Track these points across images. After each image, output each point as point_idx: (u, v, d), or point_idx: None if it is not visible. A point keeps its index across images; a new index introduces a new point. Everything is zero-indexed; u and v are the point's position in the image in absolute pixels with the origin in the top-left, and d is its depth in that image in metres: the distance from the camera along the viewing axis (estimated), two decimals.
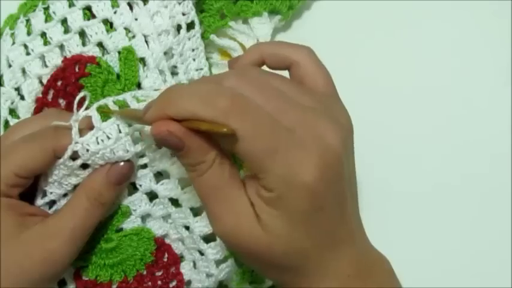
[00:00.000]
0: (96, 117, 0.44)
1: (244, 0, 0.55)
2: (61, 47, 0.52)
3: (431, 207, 0.54)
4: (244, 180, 0.41)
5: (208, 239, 0.48)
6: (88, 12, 0.52)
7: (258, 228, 0.39)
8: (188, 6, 0.52)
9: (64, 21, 0.52)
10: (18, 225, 0.44)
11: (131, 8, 0.52)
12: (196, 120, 0.38)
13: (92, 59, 0.51)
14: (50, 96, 0.52)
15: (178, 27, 0.52)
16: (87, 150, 0.44)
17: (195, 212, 0.48)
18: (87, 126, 0.44)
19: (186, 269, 0.49)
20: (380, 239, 0.43)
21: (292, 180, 0.38)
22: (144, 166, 0.47)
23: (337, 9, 0.57)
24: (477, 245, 0.51)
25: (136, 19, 0.51)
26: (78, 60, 0.51)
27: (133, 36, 0.51)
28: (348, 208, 0.41)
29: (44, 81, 0.52)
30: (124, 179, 0.46)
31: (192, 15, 0.52)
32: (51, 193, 0.46)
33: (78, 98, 0.44)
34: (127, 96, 0.45)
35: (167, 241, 0.49)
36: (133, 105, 0.45)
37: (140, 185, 0.48)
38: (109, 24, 0.52)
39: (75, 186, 0.46)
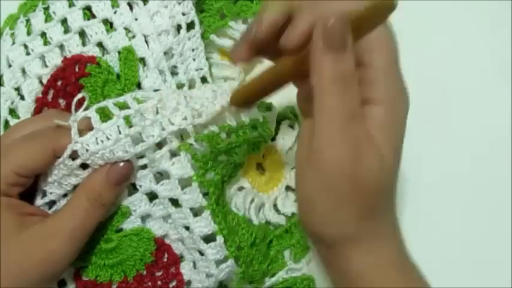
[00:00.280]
0: (95, 118, 0.44)
1: (244, 0, 0.55)
2: (61, 47, 0.52)
3: (430, 208, 0.54)
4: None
5: (208, 239, 0.48)
6: (88, 12, 0.52)
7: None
8: (188, 6, 0.52)
9: (64, 21, 0.52)
10: (18, 225, 0.44)
11: (131, 8, 0.52)
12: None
13: (92, 59, 0.51)
14: (50, 96, 0.52)
15: (178, 27, 0.52)
16: (87, 150, 0.44)
17: (195, 212, 0.48)
18: (87, 127, 0.44)
19: (186, 269, 0.49)
20: None
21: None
22: (144, 167, 0.47)
23: None
24: (477, 246, 0.51)
25: (136, 19, 0.51)
26: (78, 60, 0.51)
27: (133, 36, 0.51)
28: None
29: (44, 81, 0.52)
30: (124, 179, 0.45)
31: (192, 15, 0.52)
32: (51, 193, 0.46)
33: (76, 98, 0.43)
34: (127, 98, 0.45)
35: (167, 241, 0.49)
36: (134, 106, 0.45)
37: (140, 186, 0.48)
38: (109, 24, 0.52)
39: (75, 187, 0.46)
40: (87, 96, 0.45)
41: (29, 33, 0.53)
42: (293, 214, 0.53)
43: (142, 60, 0.51)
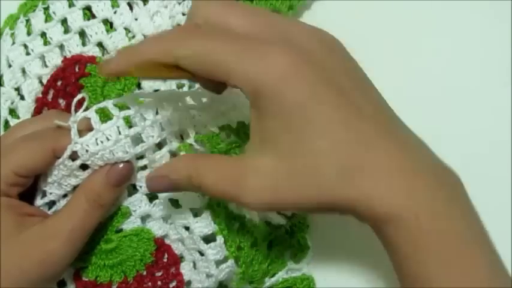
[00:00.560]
0: (95, 119, 0.44)
1: (244, 0, 0.55)
2: (61, 47, 0.52)
3: None
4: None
5: (208, 239, 0.48)
6: (88, 12, 0.52)
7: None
8: (188, 6, 0.52)
9: (64, 21, 0.52)
10: (17, 225, 0.44)
11: (131, 8, 0.52)
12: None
13: (92, 59, 0.51)
14: (50, 96, 0.52)
15: None
16: (87, 151, 0.44)
17: (195, 213, 0.48)
18: (86, 127, 0.44)
19: (186, 269, 0.49)
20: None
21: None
22: (144, 167, 0.47)
23: (337, 9, 0.57)
24: None
25: (136, 19, 0.51)
26: (78, 60, 0.51)
27: (133, 36, 0.51)
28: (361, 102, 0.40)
29: (44, 81, 0.52)
30: (124, 180, 0.45)
31: None
32: (50, 193, 0.46)
33: (76, 99, 0.43)
34: (127, 98, 0.45)
35: (167, 241, 0.49)
36: (134, 106, 0.45)
37: (140, 186, 0.48)
38: (109, 24, 0.52)
39: (75, 187, 0.46)
40: (87, 97, 0.45)
41: (29, 33, 0.53)
42: (293, 214, 0.53)
43: None
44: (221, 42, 0.39)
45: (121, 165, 0.45)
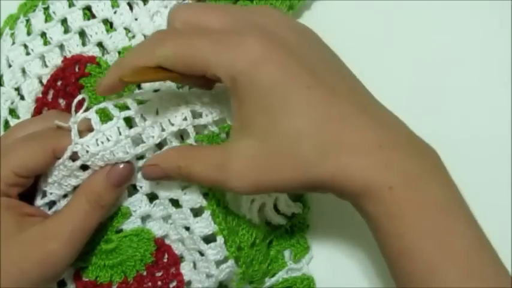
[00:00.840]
0: (95, 120, 0.44)
1: (244, 0, 0.55)
2: (61, 47, 0.52)
3: None
4: None
5: (208, 239, 0.48)
6: (88, 12, 0.52)
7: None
8: None
9: (64, 21, 0.52)
10: (17, 225, 0.44)
11: (131, 8, 0.52)
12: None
13: (92, 59, 0.51)
14: (50, 96, 0.52)
15: None
16: (87, 152, 0.44)
17: (195, 213, 0.48)
18: (87, 128, 0.44)
19: (186, 269, 0.49)
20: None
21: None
22: None
23: (337, 9, 0.57)
24: None
25: (136, 19, 0.51)
26: (78, 60, 0.51)
27: (133, 36, 0.51)
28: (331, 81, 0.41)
29: (44, 81, 0.52)
30: (124, 180, 0.45)
31: None
32: (51, 194, 0.46)
33: (76, 100, 0.43)
34: (127, 99, 0.45)
35: (167, 242, 0.49)
36: (134, 107, 0.45)
37: (140, 187, 0.48)
38: (109, 24, 0.52)
39: (75, 188, 0.46)
40: (87, 97, 0.45)
41: (29, 33, 0.53)
42: (293, 214, 0.53)
43: None
44: (197, 38, 0.41)
45: (121, 166, 0.45)
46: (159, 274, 0.49)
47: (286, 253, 0.54)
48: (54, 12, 0.52)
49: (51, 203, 0.47)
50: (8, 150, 0.45)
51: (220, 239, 0.48)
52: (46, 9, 0.53)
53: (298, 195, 0.54)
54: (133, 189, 0.48)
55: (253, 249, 0.50)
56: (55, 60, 0.52)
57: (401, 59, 0.56)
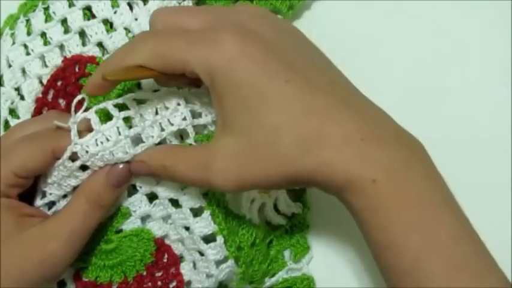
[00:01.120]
0: (94, 120, 0.44)
1: (244, 0, 0.55)
2: (61, 47, 0.52)
3: None
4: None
5: (208, 239, 0.48)
6: (88, 12, 0.52)
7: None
8: None
9: (64, 21, 0.52)
10: (17, 226, 0.44)
11: (131, 8, 0.52)
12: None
13: (92, 59, 0.51)
14: (50, 96, 0.52)
15: None
16: (86, 152, 0.44)
17: (195, 213, 0.48)
18: (86, 128, 0.44)
19: (186, 269, 0.49)
20: None
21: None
22: None
23: (337, 9, 0.57)
24: None
25: (136, 19, 0.51)
26: (78, 60, 0.51)
27: (133, 36, 0.51)
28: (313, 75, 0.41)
29: (44, 81, 0.52)
30: (124, 181, 0.45)
31: None
32: (50, 194, 0.46)
33: (75, 100, 0.43)
34: (127, 99, 0.45)
35: (167, 242, 0.49)
36: (134, 107, 0.45)
37: (140, 187, 0.48)
38: (109, 24, 0.52)
39: (75, 188, 0.46)
40: (87, 97, 0.45)
41: (29, 33, 0.53)
42: (293, 214, 0.53)
43: None
44: (175, 37, 0.42)
45: (121, 166, 0.45)
46: (159, 274, 0.49)
47: (286, 253, 0.54)
48: (54, 12, 0.52)
49: (51, 204, 0.47)
50: (8, 150, 0.45)
51: (220, 239, 0.48)
52: (46, 9, 0.53)
53: (298, 195, 0.54)
54: (133, 189, 0.48)
55: (253, 249, 0.50)
56: (55, 60, 0.52)
57: (401, 59, 0.56)
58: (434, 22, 0.57)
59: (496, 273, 0.39)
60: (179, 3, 0.52)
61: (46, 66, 0.52)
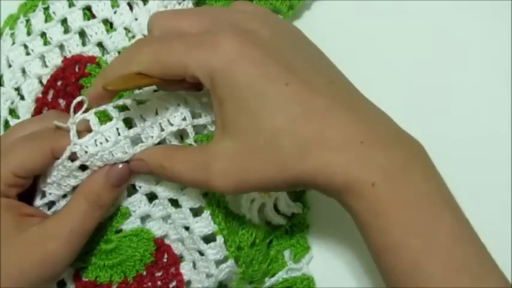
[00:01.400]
0: (94, 121, 0.44)
1: (244, 0, 0.54)
2: (61, 47, 0.52)
3: None
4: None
5: (208, 239, 0.48)
6: (88, 12, 0.52)
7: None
8: (188, 7, 0.52)
9: (64, 21, 0.52)
10: (17, 226, 0.44)
11: (131, 8, 0.52)
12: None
13: (92, 59, 0.51)
14: (49, 96, 0.52)
15: None
16: (86, 152, 0.44)
17: (195, 213, 0.48)
18: (86, 129, 0.44)
19: (185, 269, 0.49)
20: None
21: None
22: None
23: (337, 9, 0.57)
24: None
25: (136, 19, 0.51)
26: (78, 60, 0.51)
27: (133, 36, 0.51)
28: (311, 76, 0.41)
29: (44, 81, 0.52)
30: (123, 180, 0.45)
31: None
32: (50, 194, 0.46)
33: (75, 102, 0.43)
34: (127, 101, 0.45)
35: (167, 241, 0.49)
36: (133, 107, 0.45)
37: (140, 186, 0.48)
38: (109, 24, 0.52)
39: (74, 188, 0.46)
40: (86, 99, 0.44)
41: (29, 33, 0.53)
42: (293, 214, 0.53)
43: None
44: (173, 42, 0.42)
45: (120, 166, 0.45)
46: (158, 274, 0.49)
47: (286, 253, 0.54)
48: (54, 12, 0.52)
49: (51, 204, 0.47)
50: (7, 150, 0.45)
51: (220, 239, 0.48)
52: (46, 9, 0.53)
53: (298, 195, 0.54)
54: (132, 189, 0.48)
55: (253, 249, 0.50)
56: (55, 60, 0.52)
57: (401, 59, 0.56)
58: (434, 22, 0.57)
59: (496, 273, 0.39)
60: (179, 3, 0.52)
61: (46, 66, 0.52)
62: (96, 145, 0.44)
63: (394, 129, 0.42)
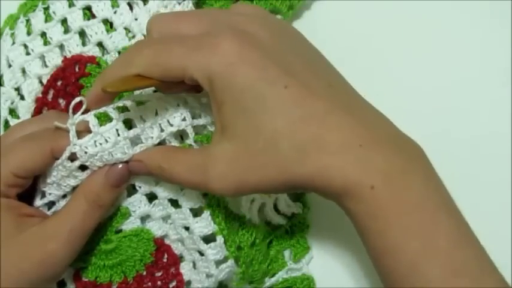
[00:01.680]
0: (93, 122, 0.44)
1: (244, 0, 0.55)
2: (61, 47, 0.52)
3: None
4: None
5: (208, 239, 0.48)
6: (88, 12, 0.52)
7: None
8: (188, 6, 0.52)
9: (64, 21, 0.52)
10: (16, 226, 0.44)
11: (131, 8, 0.52)
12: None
13: (91, 59, 0.51)
14: (50, 96, 0.52)
15: None
16: (85, 153, 0.44)
17: (195, 213, 0.48)
18: (86, 129, 0.44)
19: (185, 269, 0.49)
20: None
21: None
22: None
23: (337, 9, 0.57)
24: None
25: (136, 19, 0.51)
26: (78, 60, 0.51)
27: (133, 36, 0.51)
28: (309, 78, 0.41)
29: (44, 81, 0.52)
30: (123, 180, 0.45)
31: None
32: (50, 194, 0.46)
33: (73, 103, 0.43)
34: (127, 102, 0.45)
35: (167, 242, 0.49)
36: (133, 108, 0.45)
37: (139, 187, 0.48)
38: (109, 24, 0.52)
39: (74, 188, 0.46)
40: (85, 100, 0.44)
41: (29, 33, 0.53)
42: (293, 214, 0.53)
43: None
44: (172, 44, 0.42)
45: (120, 166, 0.45)
46: (158, 274, 0.49)
47: (286, 253, 0.54)
48: (54, 12, 0.52)
49: (51, 204, 0.47)
50: (7, 150, 0.45)
51: (220, 239, 0.48)
52: (46, 9, 0.53)
53: (298, 195, 0.54)
54: (132, 190, 0.48)
55: (253, 249, 0.50)
56: (55, 60, 0.52)
57: (401, 59, 0.56)
58: (434, 22, 0.57)
59: (495, 275, 0.39)
60: (179, 3, 0.52)
61: (46, 66, 0.52)
62: (96, 146, 0.44)
63: (394, 132, 0.42)
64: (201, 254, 0.48)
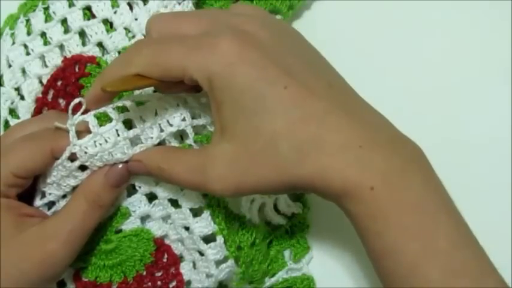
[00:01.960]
0: (93, 123, 0.44)
1: (244, 0, 0.55)
2: (61, 47, 0.52)
3: None
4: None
5: (208, 239, 0.48)
6: (88, 12, 0.52)
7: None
8: (188, 6, 0.52)
9: (64, 21, 0.52)
10: (16, 226, 0.44)
11: (131, 8, 0.52)
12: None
13: (92, 59, 0.51)
14: (50, 96, 0.52)
15: None
16: (85, 153, 0.44)
17: (195, 213, 0.48)
18: (86, 129, 0.44)
19: (185, 269, 0.49)
20: None
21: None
22: None
23: (337, 9, 0.57)
24: None
25: (136, 19, 0.51)
26: (78, 60, 0.51)
27: (133, 36, 0.51)
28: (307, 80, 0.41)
29: (44, 81, 0.52)
30: (123, 180, 0.46)
31: None
32: (49, 194, 0.46)
33: (72, 103, 0.43)
34: (126, 102, 0.45)
35: (167, 242, 0.49)
36: (133, 108, 0.45)
37: (139, 187, 0.48)
38: (109, 24, 0.52)
39: (74, 188, 0.46)
40: (84, 101, 0.44)
41: (29, 33, 0.53)
42: (293, 214, 0.53)
43: None
44: (172, 44, 0.42)
45: (120, 166, 0.45)
46: (158, 274, 0.49)
47: (286, 253, 0.54)
48: (54, 12, 0.52)
49: (51, 204, 0.47)
50: (7, 150, 0.45)
51: (220, 239, 0.48)
52: (46, 9, 0.53)
53: (298, 195, 0.54)
54: (132, 190, 0.48)
55: (253, 249, 0.50)
56: (55, 60, 0.52)
57: (401, 59, 0.56)
58: (434, 22, 0.57)
59: (495, 276, 0.39)
60: (179, 3, 0.52)
61: (46, 66, 0.52)
62: (96, 146, 0.44)
63: (393, 132, 0.42)
64: (201, 254, 0.48)
